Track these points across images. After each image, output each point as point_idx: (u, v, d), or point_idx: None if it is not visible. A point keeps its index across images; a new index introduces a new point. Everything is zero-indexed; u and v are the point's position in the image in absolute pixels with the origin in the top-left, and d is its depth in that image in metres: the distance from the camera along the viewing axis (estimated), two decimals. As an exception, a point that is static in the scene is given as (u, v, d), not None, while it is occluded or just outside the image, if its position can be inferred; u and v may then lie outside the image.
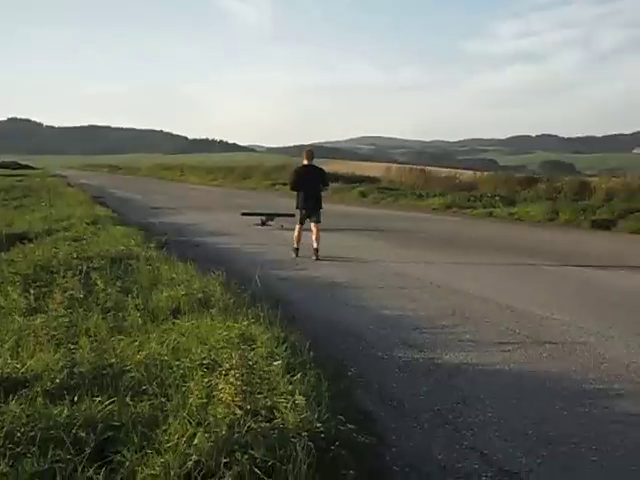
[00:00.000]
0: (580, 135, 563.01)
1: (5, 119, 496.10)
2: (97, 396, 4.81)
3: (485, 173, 42.05)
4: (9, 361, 5.54)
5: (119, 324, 7.04)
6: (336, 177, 42.83)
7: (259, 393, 4.86)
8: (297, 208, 15.32)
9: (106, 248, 12.13)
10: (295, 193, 15.39)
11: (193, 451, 3.97)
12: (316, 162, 16.03)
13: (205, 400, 4.74)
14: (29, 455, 3.91)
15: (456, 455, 4.85)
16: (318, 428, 4.33)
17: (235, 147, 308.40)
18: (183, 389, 5.04)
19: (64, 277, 8.85)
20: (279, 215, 20.79)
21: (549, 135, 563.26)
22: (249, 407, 4.53)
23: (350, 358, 7.10)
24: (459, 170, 49.88)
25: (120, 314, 7.43)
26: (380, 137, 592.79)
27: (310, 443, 4.08)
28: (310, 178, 15.17)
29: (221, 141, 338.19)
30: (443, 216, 27.45)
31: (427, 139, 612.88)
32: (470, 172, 45.06)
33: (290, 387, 4.98)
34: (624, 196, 27.13)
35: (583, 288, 11.60)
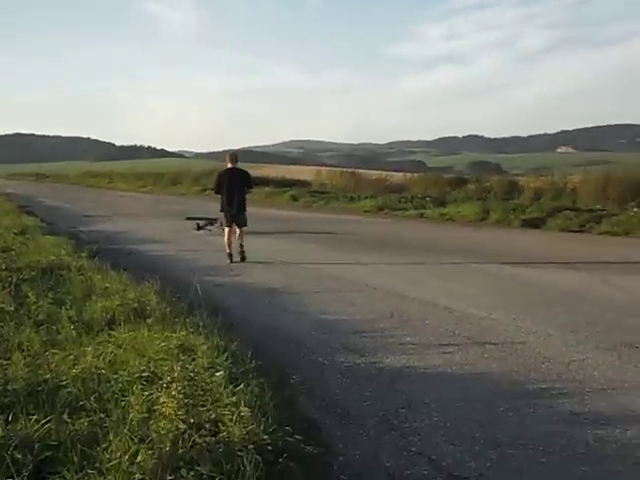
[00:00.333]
0: (506, 135, 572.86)
1: None
2: (33, 414, 4.64)
3: (415, 174, 42.49)
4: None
5: (53, 337, 6.82)
6: (266, 181, 42.79)
7: (202, 406, 4.75)
8: (221, 211, 15.46)
9: (36, 258, 11.84)
10: (220, 196, 15.43)
11: (136, 469, 3.84)
12: (246, 167, 16.09)
13: (146, 415, 4.61)
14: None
15: (404, 462, 4.79)
16: (265, 440, 4.25)
17: (163, 153, 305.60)
18: (123, 404, 4.89)
19: (-7, 290, 8.59)
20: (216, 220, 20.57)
21: (475, 136, 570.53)
22: (193, 421, 4.42)
23: (292, 365, 7.00)
24: (389, 172, 50.23)
25: (53, 327, 7.21)
26: (309, 140, 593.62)
27: (257, 456, 4.00)
28: (234, 181, 15.20)
29: (149, 147, 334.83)
30: (375, 218, 27.50)
31: (356, 142, 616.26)
32: (400, 174, 45.45)
33: (234, 398, 4.87)
34: (552, 195, 27.66)
35: (518, 287, 11.69)
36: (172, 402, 4.58)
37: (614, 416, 5.62)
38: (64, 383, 5.34)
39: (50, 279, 9.88)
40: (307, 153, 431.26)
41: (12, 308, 7.91)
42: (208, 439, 4.19)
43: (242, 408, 4.61)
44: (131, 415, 4.57)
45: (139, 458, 3.93)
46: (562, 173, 31.75)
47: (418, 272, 13.35)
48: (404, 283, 11.89)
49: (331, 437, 5.22)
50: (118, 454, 4.01)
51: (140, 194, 49.18)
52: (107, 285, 9.38)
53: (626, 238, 19.93)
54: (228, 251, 14.86)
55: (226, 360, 5.89)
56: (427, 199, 30.24)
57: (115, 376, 5.49)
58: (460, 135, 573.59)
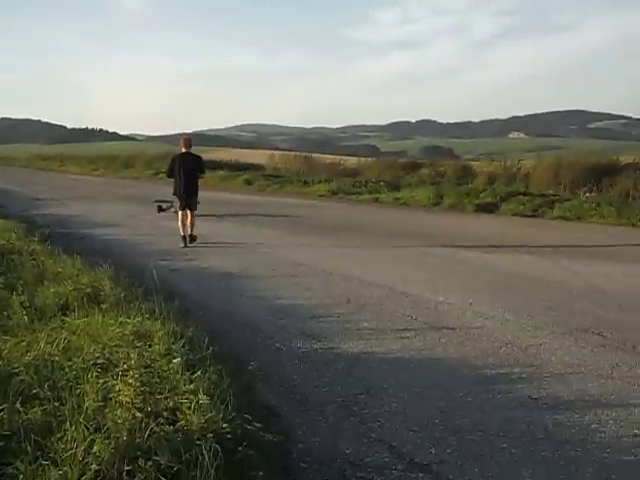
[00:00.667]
0: (458, 120, 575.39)
1: None
2: (-17, 403, 4.49)
3: (368, 159, 42.65)
4: None
5: (4, 323, 6.66)
6: (220, 165, 42.61)
7: (160, 394, 4.65)
8: (174, 194, 15.60)
9: (-15, 243, 11.56)
10: (172, 180, 15.57)
11: (92, 460, 3.74)
12: (199, 150, 16.16)
13: (102, 403, 4.50)
14: None
15: (365, 449, 4.75)
16: (224, 428, 4.16)
17: (115, 136, 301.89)
18: (77, 392, 4.76)
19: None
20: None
21: (428, 121, 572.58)
22: (150, 409, 4.33)
23: (249, 351, 6.92)
24: (343, 156, 50.36)
25: (4, 313, 7.03)
26: (261, 124, 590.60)
27: (216, 445, 3.92)
28: (187, 165, 15.28)
29: (101, 130, 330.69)
30: (329, 202, 27.52)
31: (309, 126, 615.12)
32: (354, 158, 45.60)
33: (192, 386, 4.78)
34: (505, 180, 27.91)
35: (473, 271, 11.75)
36: (128, 390, 4.48)
37: (572, 401, 5.65)
38: (16, 371, 5.17)
39: (0, 264, 9.66)
40: (260, 137, 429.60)
41: (-39, 294, 7.72)
42: (166, 428, 4.09)
43: (200, 396, 4.53)
44: (86, 404, 4.45)
45: (95, 448, 3.83)
46: (514, 158, 32.05)
47: (373, 256, 13.38)
48: (360, 267, 11.88)
49: (290, 424, 5.17)
50: (73, 444, 3.90)
51: (92, 177, 48.78)
52: (60, 270, 9.21)
53: (578, 223, 20.21)
54: (182, 234, 14.90)
55: (183, 346, 5.80)
56: (381, 183, 30.34)
57: (69, 363, 5.35)
58: (413, 120, 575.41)
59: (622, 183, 23.61)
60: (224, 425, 4.19)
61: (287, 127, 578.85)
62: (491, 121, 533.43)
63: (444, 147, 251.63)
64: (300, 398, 5.78)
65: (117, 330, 6.20)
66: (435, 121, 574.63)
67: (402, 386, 6.00)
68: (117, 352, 5.53)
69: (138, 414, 4.23)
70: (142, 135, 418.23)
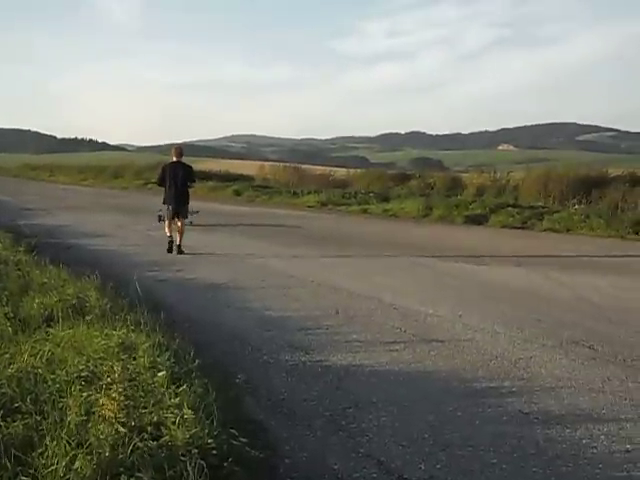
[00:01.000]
0: (447, 132, 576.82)
1: None
2: (-36, 417, 4.41)
3: (358, 170, 42.76)
4: None
5: (-13, 335, 6.56)
6: (209, 175, 42.63)
7: (144, 408, 4.57)
8: (164, 204, 15.62)
9: (-30, 253, 11.45)
10: (163, 189, 15.64)
11: (74, 476, 3.67)
12: (189, 161, 16.55)
13: (85, 417, 4.42)
14: None
15: (353, 464, 4.66)
16: (209, 444, 4.09)
17: (105, 146, 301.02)
18: (60, 405, 4.67)
19: None
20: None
21: (418, 132, 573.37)
22: (134, 424, 4.25)
23: (236, 364, 6.83)
24: (332, 168, 50.44)
25: (-12, 324, 6.93)
26: (252, 135, 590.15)
27: (201, 461, 3.85)
28: (178, 174, 15.31)
29: (91, 140, 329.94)
30: (319, 213, 27.51)
31: (299, 137, 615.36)
32: (343, 169, 45.72)
33: (177, 400, 4.70)
34: (494, 192, 27.98)
35: (462, 283, 11.71)
36: (112, 404, 4.40)
37: (563, 415, 5.58)
38: (-2, 383, 5.12)
39: (-15, 274, 9.56)
40: (250, 148, 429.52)
41: (-56, 304, 7.61)
42: (150, 443, 4.02)
43: (185, 410, 4.45)
44: (69, 418, 4.37)
45: (77, 464, 3.75)
46: (504, 170, 32.21)
47: (362, 268, 13.32)
48: (348, 279, 11.82)
49: (277, 439, 5.08)
50: (55, 459, 3.83)
51: (82, 187, 48.66)
52: (45, 280, 9.11)
53: (567, 235, 20.26)
54: (168, 234, 15.10)
55: (168, 359, 5.71)
56: (370, 195, 30.40)
57: (52, 376, 5.26)
58: (402, 131, 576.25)
59: (611, 195, 23.77)
60: (209, 440, 4.12)
61: (278, 138, 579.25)
62: (480, 133, 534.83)
63: (433, 159, 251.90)
64: (288, 412, 5.68)
65: (102, 342, 6.10)
66: (424, 133, 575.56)
67: (391, 400, 5.91)
68: (101, 365, 5.45)
69: (121, 429, 4.16)
70: (132, 145, 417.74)
